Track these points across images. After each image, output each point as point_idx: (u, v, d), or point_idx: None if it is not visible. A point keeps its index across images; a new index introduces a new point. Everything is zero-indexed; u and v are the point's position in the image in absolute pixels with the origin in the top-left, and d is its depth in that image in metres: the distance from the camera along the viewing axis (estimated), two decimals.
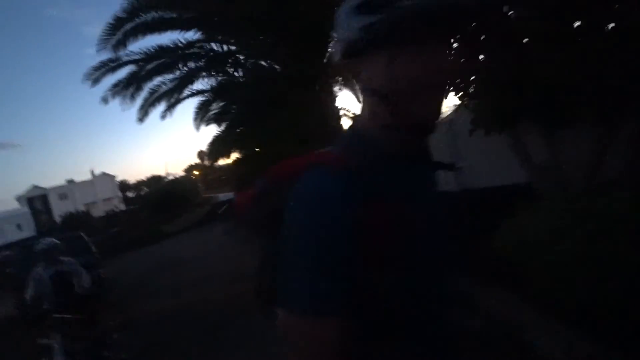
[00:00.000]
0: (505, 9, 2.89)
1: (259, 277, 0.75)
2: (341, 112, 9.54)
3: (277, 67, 7.21)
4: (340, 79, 9.84)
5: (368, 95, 0.64)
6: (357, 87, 11.59)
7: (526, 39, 2.67)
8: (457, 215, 0.84)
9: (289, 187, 0.59)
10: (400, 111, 0.59)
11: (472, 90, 3.54)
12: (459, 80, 3.61)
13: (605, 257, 2.06)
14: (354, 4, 0.59)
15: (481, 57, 3.24)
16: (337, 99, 7.87)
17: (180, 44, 6.72)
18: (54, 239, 3.35)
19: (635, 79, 2.56)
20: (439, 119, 0.63)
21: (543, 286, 2.18)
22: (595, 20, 2.43)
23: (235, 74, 7.45)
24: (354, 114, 12.57)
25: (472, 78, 3.47)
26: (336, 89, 10.58)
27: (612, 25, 2.58)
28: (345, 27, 0.60)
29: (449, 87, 3.48)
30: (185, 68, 7.15)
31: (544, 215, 2.24)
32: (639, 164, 3.00)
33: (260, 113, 9.04)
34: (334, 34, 0.66)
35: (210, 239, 12.06)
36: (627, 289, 1.96)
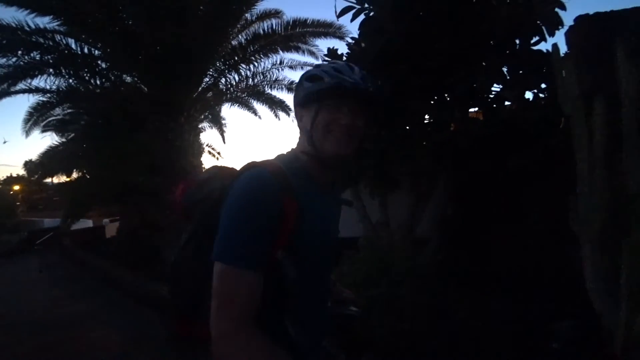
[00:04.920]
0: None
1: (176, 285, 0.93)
2: (206, 149, 9.20)
3: (143, 87, 6.71)
4: (209, 115, 9.70)
5: (302, 133, 0.93)
6: (224, 127, 11.61)
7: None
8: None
9: (226, 181, 0.87)
10: (317, 145, 0.88)
11: None
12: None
13: (406, 301, 2.48)
14: (305, 75, 0.92)
15: None
16: (202, 135, 7.67)
17: (26, 27, 5.67)
18: None
19: (438, 161, 3.34)
20: (343, 158, 0.90)
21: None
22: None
23: (92, 81, 6.57)
24: (218, 152, 12.45)
25: None
26: (204, 124, 10.40)
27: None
28: (300, 89, 0.91)
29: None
30: (27, 57, 5.99)
31: (360, 265, 2.59)
32: (442, 226, 3.82)
33: (116, 133, 8.08)
34: (295, 92, 0.96)
35: (21, 275, 9.45)
36: (422, 329, 2.37)
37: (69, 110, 9.11)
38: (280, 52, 7.30)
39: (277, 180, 0.80)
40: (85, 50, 6.26)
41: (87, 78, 6.58)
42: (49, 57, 6.19)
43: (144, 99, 6.60)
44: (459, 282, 3.23)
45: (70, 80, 6.75)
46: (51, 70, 6.33)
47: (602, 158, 1.92)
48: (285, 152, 0.96)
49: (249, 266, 0.75)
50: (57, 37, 6.05)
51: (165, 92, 6.12)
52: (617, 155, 1.91)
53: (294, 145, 0.97)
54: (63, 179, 12.38)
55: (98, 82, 6.58)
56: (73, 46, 6.16)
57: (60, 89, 7.06)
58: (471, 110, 3.61)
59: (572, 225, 2.01)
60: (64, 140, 9.99)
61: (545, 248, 3.14)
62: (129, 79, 6.76)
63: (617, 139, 1.90)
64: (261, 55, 7.09)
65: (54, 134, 10.04)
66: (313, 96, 0.88)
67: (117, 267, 7.33)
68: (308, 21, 6.91)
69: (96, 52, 6.38)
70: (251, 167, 0.85)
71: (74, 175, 11.16)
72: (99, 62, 6.47)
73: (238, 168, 0.91)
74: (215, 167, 0.97)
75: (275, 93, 8.94)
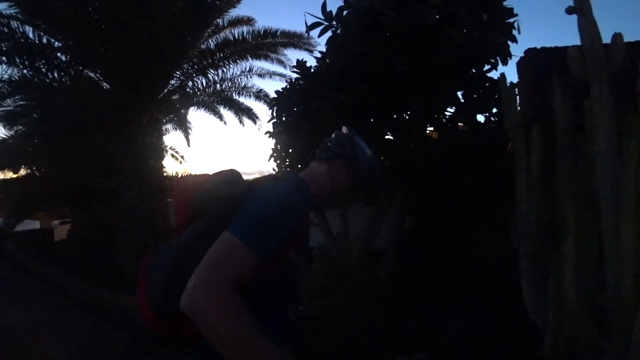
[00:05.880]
0: None
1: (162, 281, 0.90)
2: (170, 152, 8.93)
3: (105, 85, 6.46)
4: (175, 117, 9.46)
5: (337, 173, 1.10)
6: (190, 130, 11.29)
7: None
8: None
9: (243, 188, 0.95)
10: (334, 194, 1.11)
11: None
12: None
13: (358, 311, 2.54)
14: (374, 166, 1.13)
15: None
16: (165, 137, 7.44)
17: None
18: None
19: (396, 177, 3.47)
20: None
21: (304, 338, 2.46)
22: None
23: (50, 74, 6.23)
24: (182, 156, 12.14)
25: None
26: (168, 126, 10.13)
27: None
28: (365, 163, 1.10)
29: None
30: None
31: (314, 276, 2.63)
32: (399, 238, 3.94)
33: (72, 130, 7.68)
34: (335, 141, 1.15)
35: None
36: (373, 337, 2.43)
37: (21, 103, 8.56)
38: (250, 59, 7.32)
39: (303, 197, 0.98)
40: (44, 40, 5.96)
41: (44, 70, 6.25)
42: (2, 44, 5.83)
43: (105, 97, 6.34)
44: (412, 294, 3.35)
45: (25, 71, 6.39)
46: (4, 58, 5.97)
47: (539, 180, 2.10)
48: (293, 174, 1.12)
49: (259, 251, 0.82)
50: (14, 23, 5.74)
51: (129, 91, 5.92)
52: (552, 178, 2.09)
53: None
54: (9, 175, 11.54)
55: (56, 75, 6.26)
56: (30, 35, 5.85)
57: (13, 79, 6.65)
58: (428, 129, 3.80)
59: (512, 241, 2.18)
60: (12, 133, 9.36)
61: (492, 262, 3.33)
62: (90, 74, 6.49)
63: (552, 163, 2.08)
64: (230, 62, 7.07)
65: (1, 127, 9.38)
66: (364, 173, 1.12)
67: (66, 273, 6.89)
68: (279, 32, 7.01)
69: (56, 43, 6.09)
70: (277, 178, 1.06)
71: (22, 172, 10.43)
72: (59, 54, 6.17)
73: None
74: (233, 171, 1.02)
75: (243, 100, 8.89)
